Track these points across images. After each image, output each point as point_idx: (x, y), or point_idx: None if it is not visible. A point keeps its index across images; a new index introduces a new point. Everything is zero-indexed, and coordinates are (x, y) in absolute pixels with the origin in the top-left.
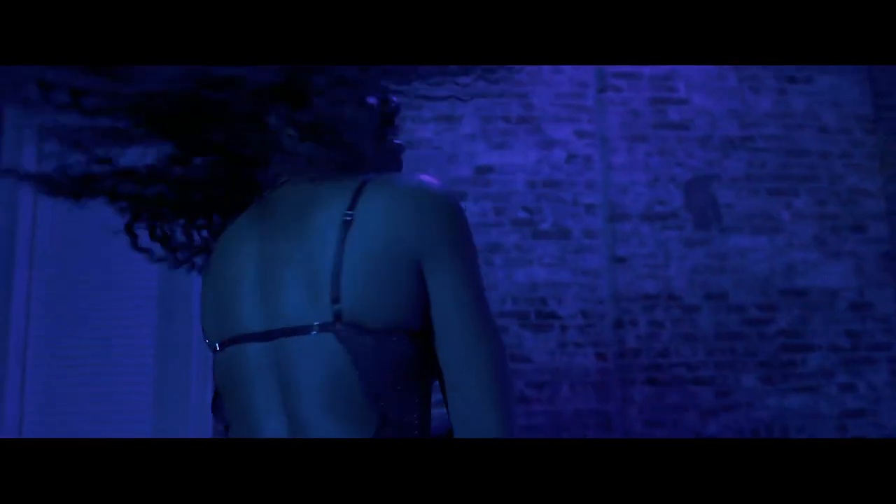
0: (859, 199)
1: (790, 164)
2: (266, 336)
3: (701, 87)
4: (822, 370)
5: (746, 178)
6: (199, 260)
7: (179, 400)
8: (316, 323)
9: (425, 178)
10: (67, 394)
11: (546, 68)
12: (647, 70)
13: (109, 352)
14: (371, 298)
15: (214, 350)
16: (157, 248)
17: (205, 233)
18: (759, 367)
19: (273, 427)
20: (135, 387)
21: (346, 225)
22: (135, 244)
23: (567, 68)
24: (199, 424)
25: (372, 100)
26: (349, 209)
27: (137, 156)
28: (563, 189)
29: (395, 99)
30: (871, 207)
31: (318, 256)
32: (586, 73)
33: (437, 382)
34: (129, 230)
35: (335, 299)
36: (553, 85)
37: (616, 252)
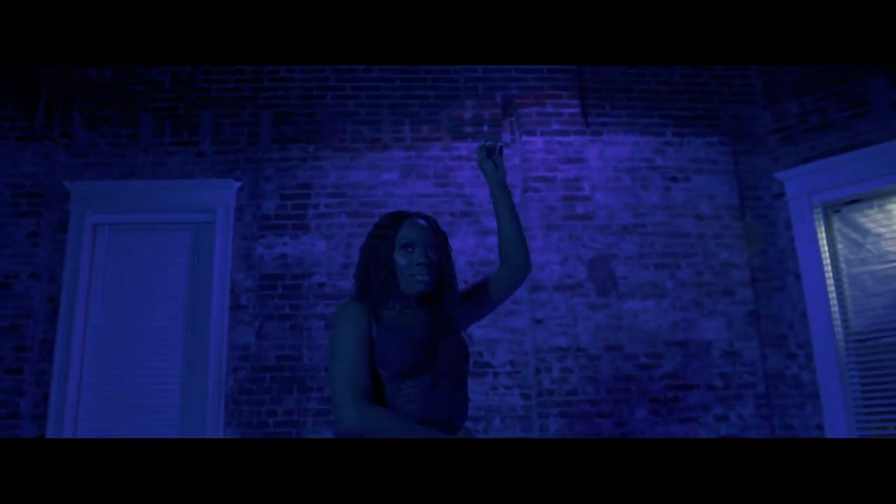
0: (729, 270)
1: (673, 244)
2: None
3: (602, 187)
4: (701, 405)
5: (638, 256)
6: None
7: (200, 400)
8: None
9: None
10: (112, 396)
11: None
12: (559, 175)
13: (143, 364)
14: None
15: None
16: None
17: None
18: (649, 403)
19: None
20: (165, 390)
21: None
22: None
23: None
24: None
25: None
26: None
27: None
28: (495, 267)
29: None
30: (738, 277)
31: None
32: (514, 177)
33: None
34: None
35: None
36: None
37: (535, 315)
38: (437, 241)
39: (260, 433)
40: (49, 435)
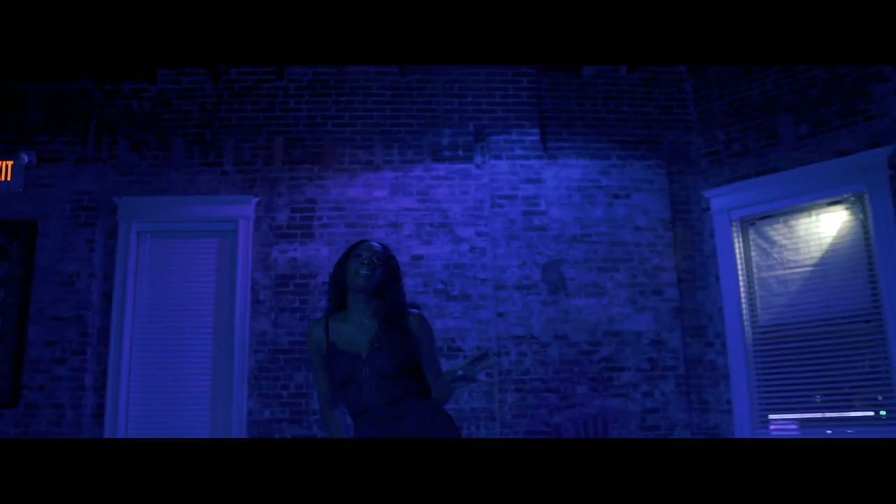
0: (659, 273)
1: (614, 251)
2: None
3: (555, 203)
4: (631, 383)
5: (584, 261)
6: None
7: (227, 376)
8: None
9: None
10: (156, 372)
11: (457, 191)
12: (520, 193)
13: (181, 347)
14: None
15: None
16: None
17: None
18: (589, 381)
19: None
20: (199, 367)
21: None
22: None
23: (471, 191)
24: (240, 393)
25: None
26: None
27: None
28: (467, 269)
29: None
30: (667, 278)
31: None
32: (483, 194)
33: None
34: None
35: None
36: (462, 202)
37: (498, 309)
38: (383, 257)
39: (276, 402)
40: (107, 403)
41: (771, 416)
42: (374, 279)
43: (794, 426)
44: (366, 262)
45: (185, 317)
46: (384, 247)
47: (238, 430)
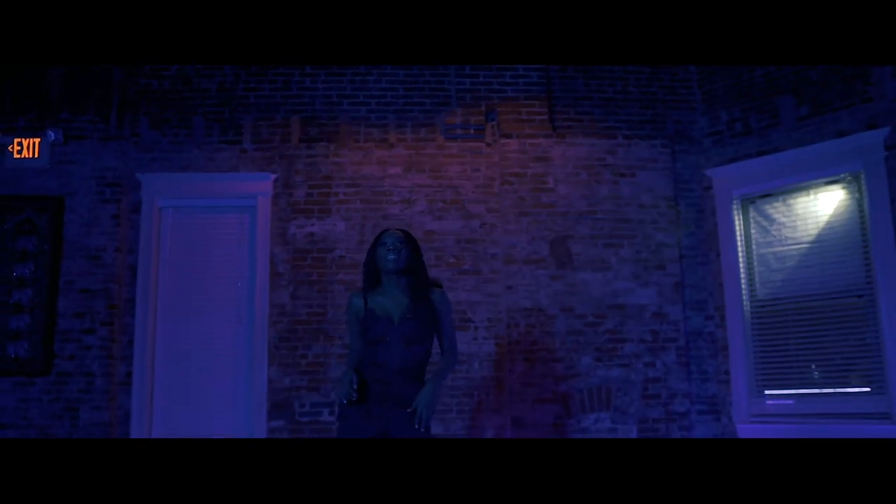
0: (662, 249)
1: (619, 227)
2: None
3: (563, 181)
4: (634, 354)
5: (590, 237)
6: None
7: (248, 345)
8: None
9: None
10: (179, 342)
11: (469, 168)
12: (529, 172)
13: (203, 318)
14: None
15: None
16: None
17: None
18: (594, 352)
19: None
20: (221, 337)
21: None
22: None
23: (482, 168)
24: (261, 363)
25: None
26: None
27: None
28: (478, 244)
29: None
30: (669, 254)
31: None
32: (494, 172)
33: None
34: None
35: None
36: (473, 179)
37: (507, 283)
38: (405, 240)
39: (295, 371)
40: (135, 371)
41: (767, 392)
42: (401, 261)
43: (791, 402)
44: (391, 248)
45: (207, 289)
46: (405, 231)
47: (259, 397)
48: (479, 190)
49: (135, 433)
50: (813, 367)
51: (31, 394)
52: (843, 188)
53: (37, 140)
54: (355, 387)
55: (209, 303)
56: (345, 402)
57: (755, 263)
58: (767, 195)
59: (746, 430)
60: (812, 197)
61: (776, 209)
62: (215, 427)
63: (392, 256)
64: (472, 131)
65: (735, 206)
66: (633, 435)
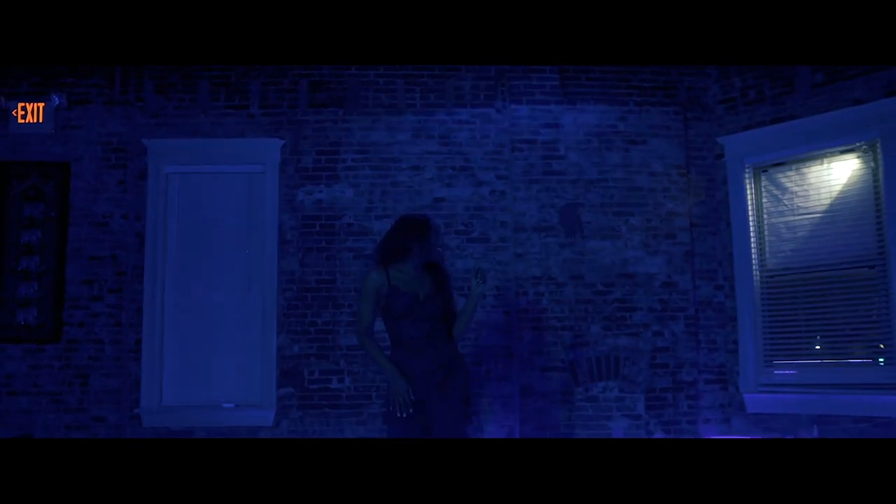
0: (672, 218)
1: (629, 196)
2: None
3: (574, 148)
4: (642, 323)
5: (600, 205)
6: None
7: (257, 312)
8: None
9: None
10: (188, 309)
11: (478, 135)
12: (539, 138)
13: (212, 285)
14: None
15: None
16: None
17: None
18: (602, 320)
19: None
20: (230, 304)
21: None
22: None
23: (491, 135)
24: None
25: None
26: None
27: None
28: (487, 212)
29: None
30: (679, 223)
31: None
32: (504, 138)
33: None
34: None
35: None
36: (483, 146)
37: (517, 251)
38: (436, 238)
39: (304, 338)
40: (144, 338)
41: (775, 362)
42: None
43: (799, 372)
44: (440, 248)
45: (215, 256)
46: (435, 227)
47: (268, 365)
48: (489, 157)
49: (144, 401)
50: (819, 337)
51: (41, 360)
52: (858, 157)
53: (41, 105)
54: (412, 398)
55: (218, 270)
56: (404, 415)
57: (766, 233)
58: (780, 164)
59: (753, 399)
60: (826, 166)
61: (789, 178)
62: (225, 394)
63: (440, 249)
64: (481, 97)
65: (747, 175)
66: (641, 404)
